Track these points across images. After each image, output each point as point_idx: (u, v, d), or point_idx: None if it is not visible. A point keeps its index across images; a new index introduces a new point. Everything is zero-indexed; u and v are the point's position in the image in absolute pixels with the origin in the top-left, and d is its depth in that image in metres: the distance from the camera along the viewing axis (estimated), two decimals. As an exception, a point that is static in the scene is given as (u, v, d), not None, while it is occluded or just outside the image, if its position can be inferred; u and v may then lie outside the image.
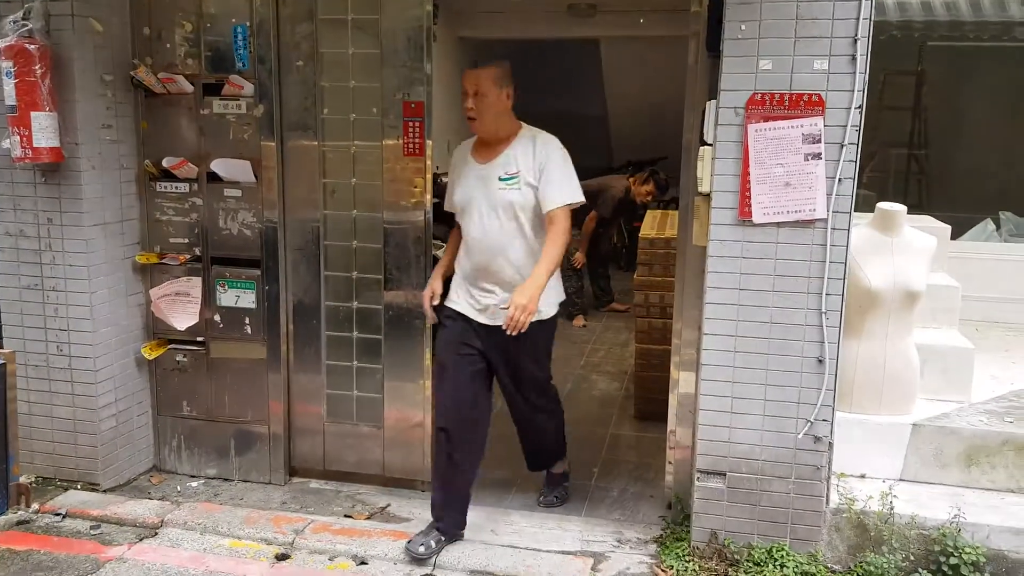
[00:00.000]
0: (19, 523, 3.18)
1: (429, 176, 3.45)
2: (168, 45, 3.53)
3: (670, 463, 3.36)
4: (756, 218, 2.83)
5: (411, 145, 3.43)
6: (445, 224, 3.46)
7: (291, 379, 3.65)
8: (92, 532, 3.21)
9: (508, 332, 2.85)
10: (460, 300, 3.15)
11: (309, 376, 3.64)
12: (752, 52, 2.78)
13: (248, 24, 3.44)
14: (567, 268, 6.43)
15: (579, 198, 3.03)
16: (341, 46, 3.43)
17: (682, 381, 3.28)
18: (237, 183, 3.54)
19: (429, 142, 3.42)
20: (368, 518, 3.34)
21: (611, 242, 7.23)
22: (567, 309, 6.48)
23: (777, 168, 2.79)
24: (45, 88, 3.23)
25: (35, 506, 3.32)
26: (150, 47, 3.54)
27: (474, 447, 3.14)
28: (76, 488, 3.51)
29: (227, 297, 3.61)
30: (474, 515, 3.34)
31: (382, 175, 3.46)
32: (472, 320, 3.12)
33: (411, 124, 3.42)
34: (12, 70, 3.20)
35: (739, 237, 2.86)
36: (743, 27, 2.77)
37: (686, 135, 3.19)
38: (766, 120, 2.78)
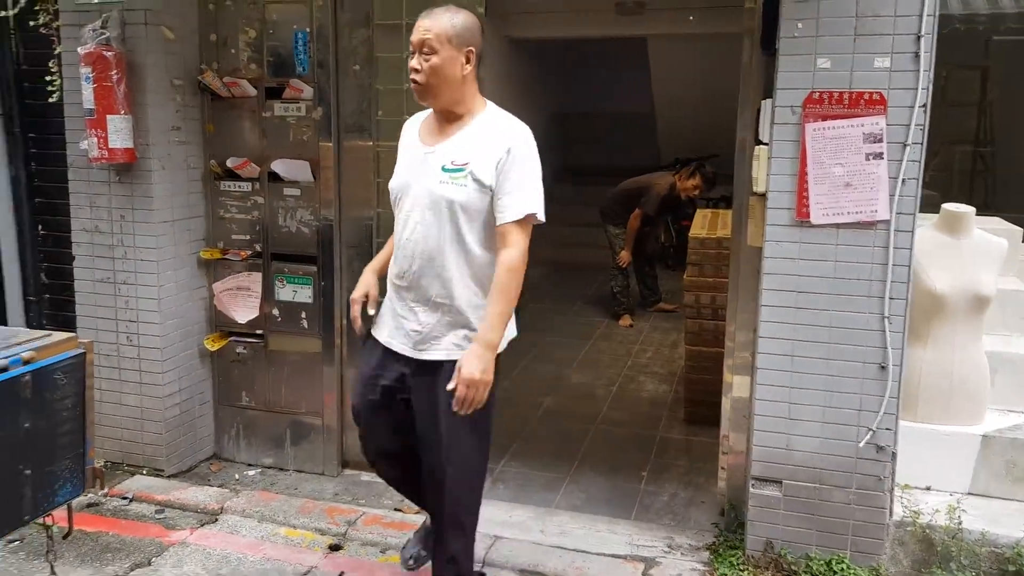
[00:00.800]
0: (89, 505, 3.33)
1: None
2: (233, 51, 3.65)
3: (723, 469, 3.31)
4: (814, 219, 2.76)
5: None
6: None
7: (344, 373, 3.72)
8: (156, 516, 3.34)
9: (458, 412, 2.24)
10: (383, 323, 2.49)
11: (362, 371, 3.71)
12: (809, 50, 2.71)
13: (308, 30, 3.53)
14: (613, 267, 6.39)
15: (541, 211, 2.30)
16: (396, 50, 3.48)
17: (736, 385, 3.23)
18: (296, 182, 3.64)
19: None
20: (418, 513, 3.38)
21: (658, 241, 7.13)
22: (613, 308, 6.44)
23: (836, 168, 2.72)
24: (120, 92, 3.37)
25: (104, 489, 3.48)
26: (216, 53, 3.67)
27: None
28: (142, 473, 3.66)
29: (285, 292, 3.71)
30: (522, 513, 3.35)
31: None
32: (393, 350, 2.44)
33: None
34: (91, 75, 3.35)
35: (796, 238, 2.80)
36: (800, 25, 2.71)
37: (740, 134, 3.13)
38: (824, 119, 2.71)
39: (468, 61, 2.30)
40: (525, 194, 2.27)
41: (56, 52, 3.61)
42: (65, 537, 2.49)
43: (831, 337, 2.80)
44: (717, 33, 5.35)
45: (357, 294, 2.52)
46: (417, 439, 2.44)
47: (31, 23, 3.68)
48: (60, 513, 2.43)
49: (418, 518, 3.31)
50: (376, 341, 2.48)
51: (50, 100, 3.67)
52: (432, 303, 2.34)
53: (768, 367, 2.88)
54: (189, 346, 3.75)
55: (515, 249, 2.26)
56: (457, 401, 2.21)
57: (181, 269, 3.68)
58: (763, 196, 2.87)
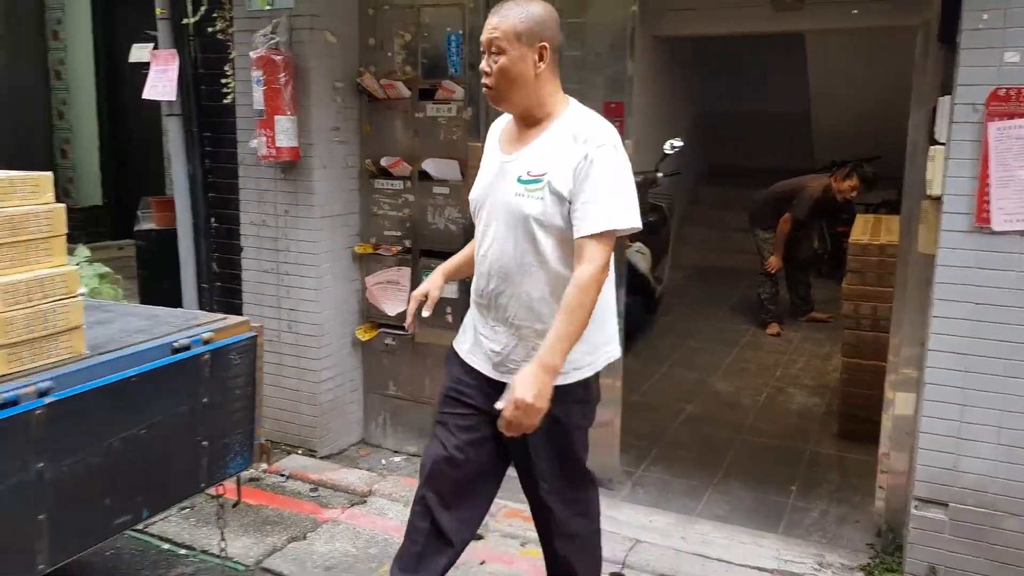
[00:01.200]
0: (251, 479, 3.56)
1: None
2: (389, 54, 3.79)
3: (881, 488, 3.12)
4: (996, 225, 2.55)
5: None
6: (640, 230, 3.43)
7: (487, 369, 3.78)
8: (311, 494, 3.52)
9: (506, 435, 2.04)
10: (464, 335, 2.31)
11: (505, 366, 3.76)
12: (995, 43, 2.50)
13: (461, 32, 3.62)
14: (761, 272, 6.15)
15: (629, 223, 2.04)
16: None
17: (898, 401, 3.02)
18: (445, 181, 3.74)
19: (628, 142, 3.41)
20: (556, 510, 3.39)
21: (812, 247, 6.82)
22: (760, 316, 6.20)
23: (1023, 171, 2.50)
24: (287, 94, 3.58)
25: (263, 466, 3.71)
26: (374, 56, 3.82)
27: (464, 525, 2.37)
28: (297, 453, 3.87)
29: (433, 288, 3.82)
30: (662, 519, 3.30)
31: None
32: (472, 367, 2.24)
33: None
34: (261, 78, 3.58)
35: (974, 246, 2.59)
36: (985, 16, 2.50)
37: (912, 134, 2.93)
38: (1011, 117, 2.50)
39: (542, 58, 2.06)
40: (604, 205, 2.00)
41: (231, 57, 3.89)
42: (234, 507, 2.67)
43: (1013, 353, 2.58)
44: (884, 27, 5.03)
45: (419, 292, 2.40)
46: (516, 467, 2.32)
47: (208, 29, 3.98)
48: (228, 485, 2.62)
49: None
50: (455, 352, 2.31)
51: (224, 102, 3.95)
52: (510, 324, 2.13)
53: (938, 383, 2.69)
54: (342, 335, 3.94)
55: (590, 266, 1.99)
56: (503, 422, 1.98)
57: (337, 262, 3.87)
58: (938, 200, 2.67)
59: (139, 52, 4.26)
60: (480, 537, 3.18)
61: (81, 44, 6.36)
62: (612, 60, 3.38)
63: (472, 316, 2.27)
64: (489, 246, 2.15)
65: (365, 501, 3.46)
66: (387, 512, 3.36)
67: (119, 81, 6.20)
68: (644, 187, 5.50)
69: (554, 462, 2.24)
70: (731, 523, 3.31)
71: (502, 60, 2.04)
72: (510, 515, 3.30)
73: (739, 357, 5.57)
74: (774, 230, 5.99)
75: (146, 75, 4.09)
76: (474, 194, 2.25)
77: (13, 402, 1.84)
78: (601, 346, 2.19)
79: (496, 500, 3.39)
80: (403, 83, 3.76)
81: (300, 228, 3.78)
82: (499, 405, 1.99)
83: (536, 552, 2.99)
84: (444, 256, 3.73)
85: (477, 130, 3.63)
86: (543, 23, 2.06)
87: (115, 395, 2.04)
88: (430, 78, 3.72)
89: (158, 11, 4.03)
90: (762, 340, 5.94)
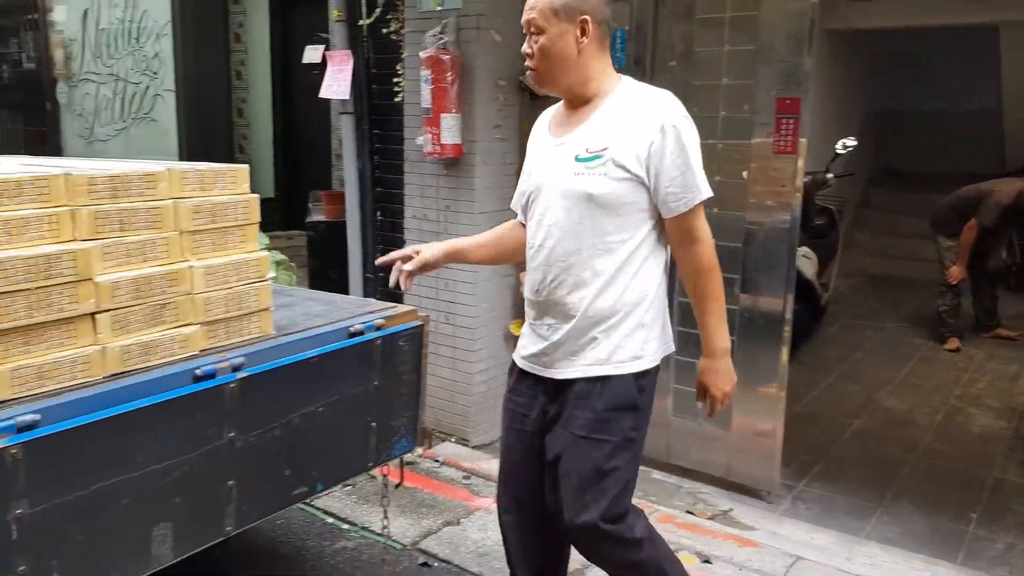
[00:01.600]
0: (407, 463, 3.69)
1: (799, 176, 3.29)
2: (553, 51, 3.82)
3: (1079, 522, 2.81)
4: None
5: (782, 143, 3.30)
6: (807, 233, 3.26)
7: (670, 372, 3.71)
8: (463, 481, 3.62)
9: (708, 415, 2.11)
10: (523, 341, 2.16)
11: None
12: None
13: (627, 28, 3.58)
14: (941, 283, 5.68)
15: (709, 191, 1.97)
16: (716, 44, 3.41)
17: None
18: (608, 178, 3.72)
19: (803, 140, 3.26)
20: (711, 518, 3.30)
21: (1000, 258, 6.25)
22: (938, 329, 5.73)
23: None
24: (453, 93, 3.69)
25: (419, 451, 3.85)
26: (538, 53, 3.86)
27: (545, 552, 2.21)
28: (451, 441, 3.99)
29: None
30: (825, 537, 3.13)
31: (748, 173, 3.38)
32: (534, 376, 2.11)
33: (784, 121, 3.29)
34: (429, 77, 3.70)
35: None
36: None
37: None
38: None
39: (584, 32, 1.92)
40: (695, 175, 1.92)
41: (402, 56, 4.05)
42: (396, 487, 2.79)
43: None
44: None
45: (411, 249, 2.25)
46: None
47: (383, 30, 4.16)
48: (391, 466, 2.73)
49: (711, 524, 3.23)
50: (515, 366, 2.17)
51: (394, 100, 4.12)
52: (568, 315, 1.99)
53: None
54: (496, 329, 4.01)
55: (702, 245, 1.94)
56: (712, 411, 2.09)
57: (495, 257, 3.95)
58: None
59: (312, 53, 4.54)
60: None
61: (259, 46, 6.84)
62: (787, 54, 3.24)
63: (529, 325, 2.12)
64: (545, 236, 2.00)
65: (516, 492, 3.52)
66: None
67: (290, 80, 6.62)
68: (813, 188, 5.25)
69: (584, 493, 1.95)
70: (902, 547, 3.09)
71: (542, 40, 1.93)
72: (663, 520, 3.24)
73: (912, 372, 5.19)
74: (958, 238, 5.52)
75: (316, 75, 4.34)
76: (524, 186, 2.11)
77: (211, 375, 2.00)
78: (659, 334, 2.03)
79: (647, 503, 3.37)
80: (565, 81, 3.77)
81: (460, 223, 3.88)
82: (700, 406, 2.09)
83: (690, 559, 2.93)
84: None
85: (639, 127, 3.59)
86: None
87: (298, 373, 2.17)
88: (593, 75, 3.72)
89: (335, 13, 4.25)
90: (939, 355, 5.50)
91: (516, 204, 2.20)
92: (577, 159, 1.95)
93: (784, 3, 3.23)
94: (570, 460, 1.98)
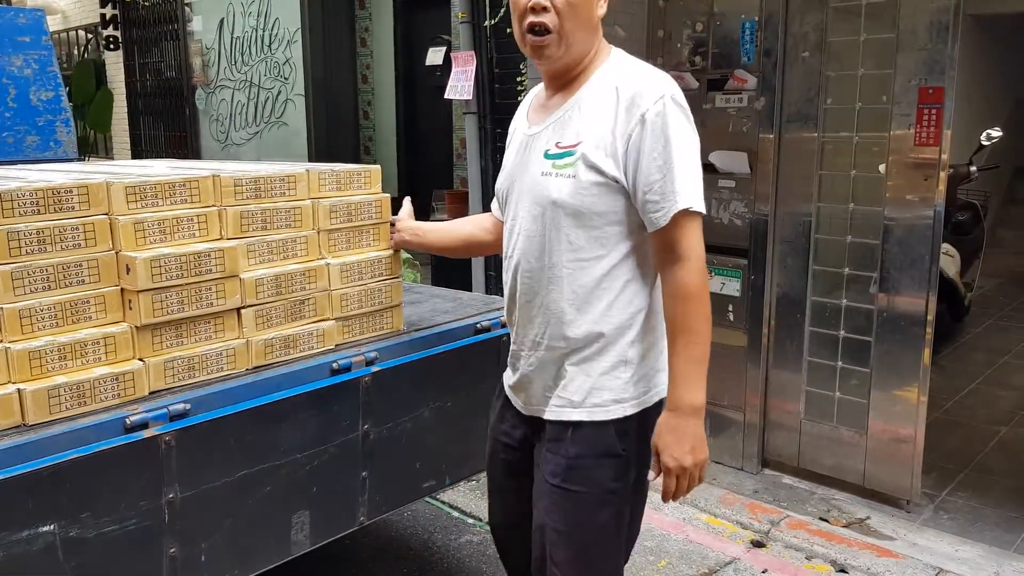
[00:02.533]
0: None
1: (943, 169, 3.09)
2: (678, 45, 3.74)
3: None
4: None
5: (925, 134, 3.11)
6: (949, 229, 3.04)
7: (769, 371, 3.60)
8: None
9: (663, 498, 1.64)
10: (508, 371, 1.87)
11: (788, 370, 3.55)
12: None
13: (756, 19, 3.46)
14: None
15: (701, 202, 1.56)
16: (852, 33, 3.25)
17: None
18: (731, 174, 3.61)
19: (947, 132, 3.06)
20: (846, 526, 3.15)
21: None
22: None
23: None
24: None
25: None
26: (662, 47, 3.79)
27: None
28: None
29: (713, 283, 3.71)
30: (971, 550, 2.94)
31: (886, 167, 3.20)
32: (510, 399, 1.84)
33: (927, 112, 3.10)
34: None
35: None
36: None
37: None
38: None
39: None
40: (675, 180, 1.51)
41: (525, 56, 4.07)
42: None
43: None
44: None
45: (398, 219, 2.19)
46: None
47: (507, 30, 4.20)
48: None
49: (847, 532, 3.08)
50: (502, 389, 1.90)
51: (517, 100, 4.15)
52: (536, 343, 1.68)
53: None
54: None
55: (686, 266, 1.53)
56: (665, 494, 1.62)
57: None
58: None
59: (434, 55, 4.63)
60: (761, 545, 3.04)
61: (384, 49, 7.02)
62: (930, 41, 3.05)
63: (511, 343, 1.83)
64: (514, 246, 1.69)
65: (640, 495, 3.47)
66: (662, 508, 3.32)
67: (412, 81, 6.78)
68: (955, 181, 4.93)
69: (560, 549, 1.65)
70: (1063, 568, 2.86)
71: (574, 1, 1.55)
72: (794, 526, 3.13)
73: (1067, 380, 4.78)
74: None
75: (438, 76, 4.42)
76: (498, 183, 1.81)
77: (347, 368, 2.07)
78: (653, 373, 1.66)
79: (778, 508, 3.26)
80: (692, 74, 3.69)
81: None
82: (651, 477, 1.64)
83: (824, 567, 2.81)
84: (727, 252, 3.65)
85: (770, 120, 3.46)
86: None
87: (428, 368, 2.22)
88: (719, 68, 3.62)
89: (459, 15, 4.33)
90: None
91: (494, 201, 1.92)
92: (546, 155, 1.62)
93: (926, -14, 3.04)
94: (542, 512, 1.69)
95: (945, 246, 4.84)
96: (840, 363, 3.40)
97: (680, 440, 1.56)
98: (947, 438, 3.89)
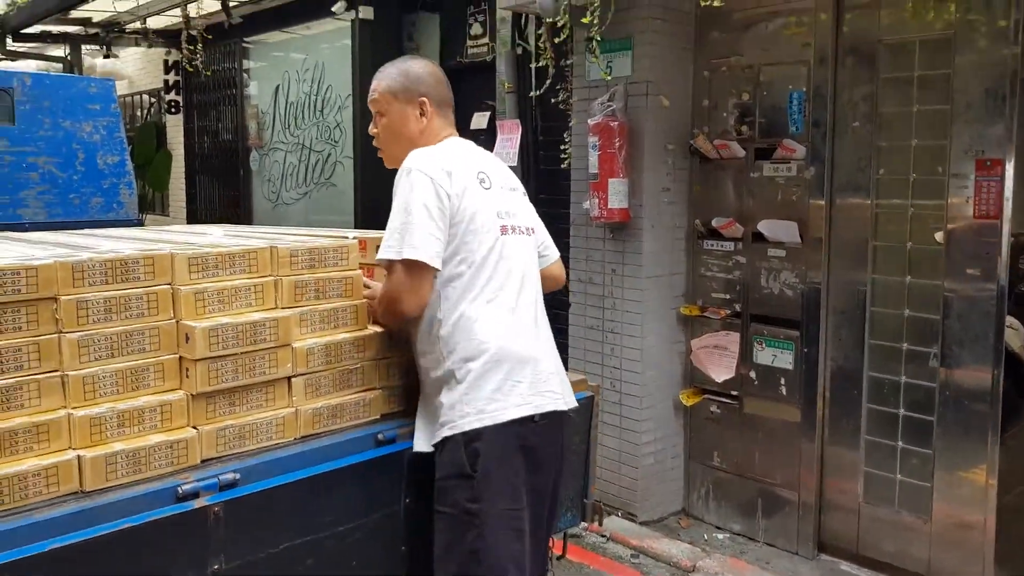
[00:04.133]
0: (572, 535, 3.61)
1: (1005, 242, 3.00)
2: (724, 114, 3.75)
3: None
4: None
5: (984, 207, 3.04)
6: (1012, 301, 2.94)
7: (825, 448, 3.49)
8: (632, 560, 3.49)
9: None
10: None
11: (845, 448, 3.44)
12: None
13: (804, 90, 3.47)
14: None
15: (386, 254, 1.94)
16: (904, 104, 3.23)
17: None
18: (781, 243, 3.56)
19: (1007, 202, 2.99)
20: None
21: None
22: None
23: None
24: (622, 158, 3.70)
25: (584, 524, 3.76)
26: (707, 117, 3.81)
27: None
28: (616, 515, 3.86)
29: (763, 355, 3.63)
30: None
31: (945, 238, 3.13)
32: None
33: (985, 184, 3.04)
34: (597, 144, 3.73)
35: None
36: None
37: None
38: None
39: (423, 113, 2.10)
40: (388, 227, 1.97)
41: (570, 124, 4.12)
42: (559, 559, 2.72)
43: None
44: None
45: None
46: None
47: (551, 100, 4.26)
48: (554, 538, 2.67)
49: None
50: None
51: (561, 167, 4.18)
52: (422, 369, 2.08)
53: None
54: (665, 398, 3.89)
55: (378, 300, 2.05)
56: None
57: (662, 323, 3.86)
58: None
59: (479, 119, 4.72)
60: None
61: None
62: (986, 112, 3.01)
63: None
64: None
65: (689, 576, 3.37)
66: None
67: (457, 146, 6.87)
68: (1018, 251, 4.78)
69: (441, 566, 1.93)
70: None
71: (383, 121, 2.11)
72: None
73: None
74: None
75: (483, 140, 4.48)
76: None
77: (392, 439, 2.06)
78: (458, 402, 1.92)
79: None
80: (738, 143, 3.68)
81: (626, 287, 3.84)
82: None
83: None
84: (778, 323, 3.59)
85: (820, 189, 3.43)
86: (419, 79, 2.10)
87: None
88: (767, 137, 3.62)
89: (506, 85, 4.41)
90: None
91: None
92: None
93: (980, 57, 3.01)
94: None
95: (1009, 319, 4.68)
96: (900, 443, 3.28)
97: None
98: (1021, 524, 3.68)
